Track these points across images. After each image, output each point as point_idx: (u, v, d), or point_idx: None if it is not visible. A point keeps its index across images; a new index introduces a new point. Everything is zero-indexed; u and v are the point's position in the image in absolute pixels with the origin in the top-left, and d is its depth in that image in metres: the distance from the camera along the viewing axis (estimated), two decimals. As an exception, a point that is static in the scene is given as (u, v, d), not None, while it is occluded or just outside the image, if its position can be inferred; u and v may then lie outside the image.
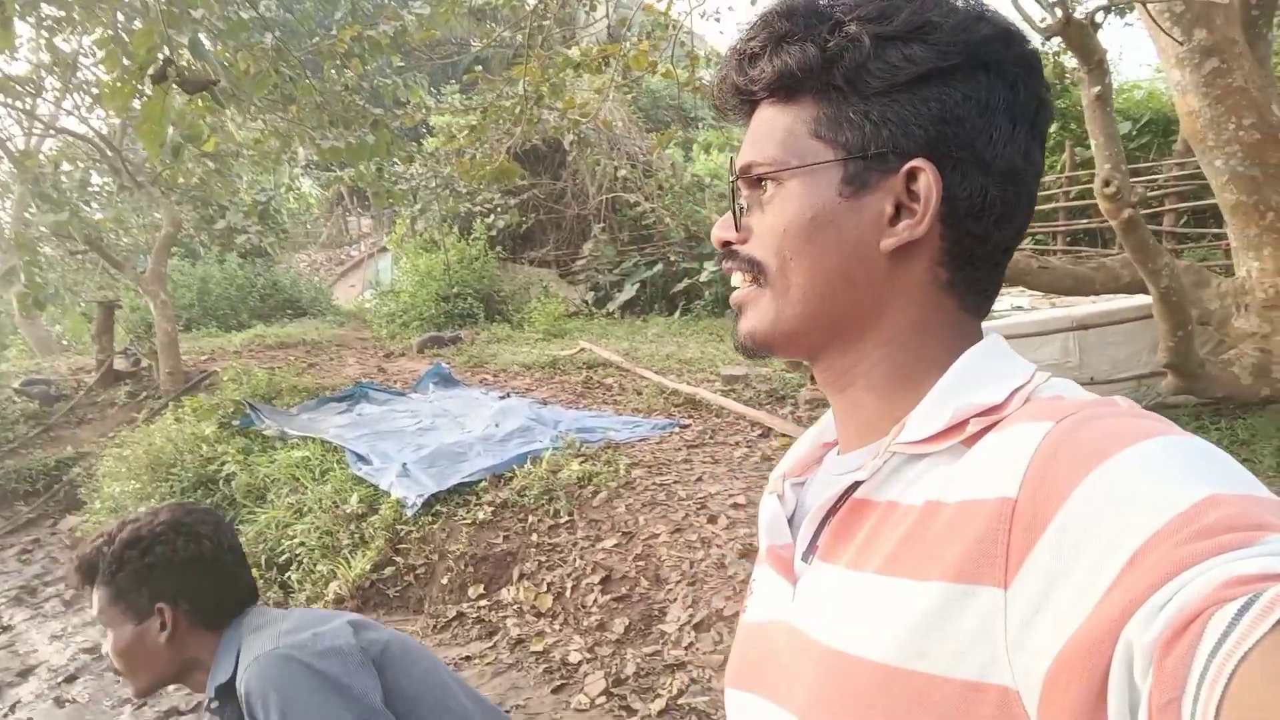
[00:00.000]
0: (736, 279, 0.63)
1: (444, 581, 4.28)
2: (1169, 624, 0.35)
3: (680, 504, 4.27)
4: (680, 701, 2.97)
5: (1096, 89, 3.74)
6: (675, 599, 3.54)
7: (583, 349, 8.69)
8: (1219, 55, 4.01)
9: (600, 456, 4.95)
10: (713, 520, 4.04)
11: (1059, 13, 3.55)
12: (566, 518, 4.36)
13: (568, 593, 3.85)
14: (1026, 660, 0.43)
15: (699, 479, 4.60)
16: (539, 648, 3.59)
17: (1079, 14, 3.73)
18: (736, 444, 5.30)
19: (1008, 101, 0.56)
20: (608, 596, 3.72)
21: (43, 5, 4.89)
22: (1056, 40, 4.14)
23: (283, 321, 12.66)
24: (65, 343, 12.60)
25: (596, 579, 3.83)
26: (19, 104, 7.43)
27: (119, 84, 3.57)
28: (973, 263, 0.59)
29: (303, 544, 4.79)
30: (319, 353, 10.06)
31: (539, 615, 3.84)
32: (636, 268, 12.59)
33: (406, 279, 12.47)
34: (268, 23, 4.68)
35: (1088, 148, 9.13)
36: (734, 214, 0.63)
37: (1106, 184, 3.75)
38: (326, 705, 1.19)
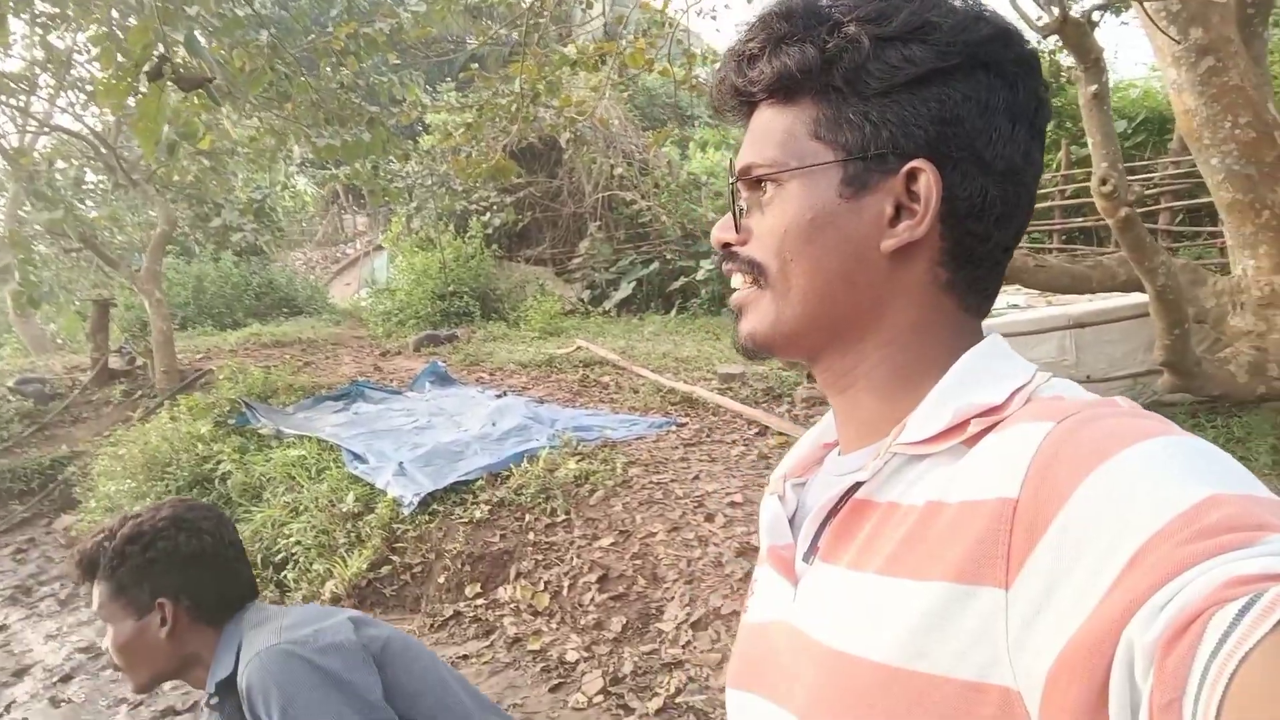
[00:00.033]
0: (736, 280, 0.63)
1: (441, 580, 4.28)
2: (1170, 624, 0.35)
3: (677, 502, 4.27)
4: (678, 700, 2.97)
5: (1094, 87, 3.75)
6: (672, 597, 3.54)
7: (579, 347, 8.68)
8: (1215, 54, 4.02)
9: (597, 455, 4.95)
10: (710, 519, 4.05)
11: (1056, 11, 3.55)
12: (563, 516, 4.36)
13: (565, 591, 3.85)
14: (1028, 660, 0.43)
15: (696, 477, 4.60)
16: (536, 647, 3.59)
17: (1076, 12, 3.74)
18: (733, 442, 5.30)
19: (1007, 101, 0.56)
20: (605, 595, 3.72)
21: (37, 2, 4.87)
22: (1053, 39, 4.14)
23: (278, 320, 12.63)
24: (60, 341, 12.56)
25: (594, 578, 3.83)
26: (13, 101, 7.40)
27: (114, 81, 3.56)
28: (973, 263, 0.59)
29: (299, 543, 4.78)
30: (315, 351, 10.04)
31: (536, 614, 3.83)
32: (633, 266, 12.59)
33: (402, 277, 12.45)
34: (263, 20, 4.66)
35: (1084, 146, 9.14)
36: (733, 215, 0.63)
37: (1104, 182, 3.75)
38: (327, 701, 1.19)
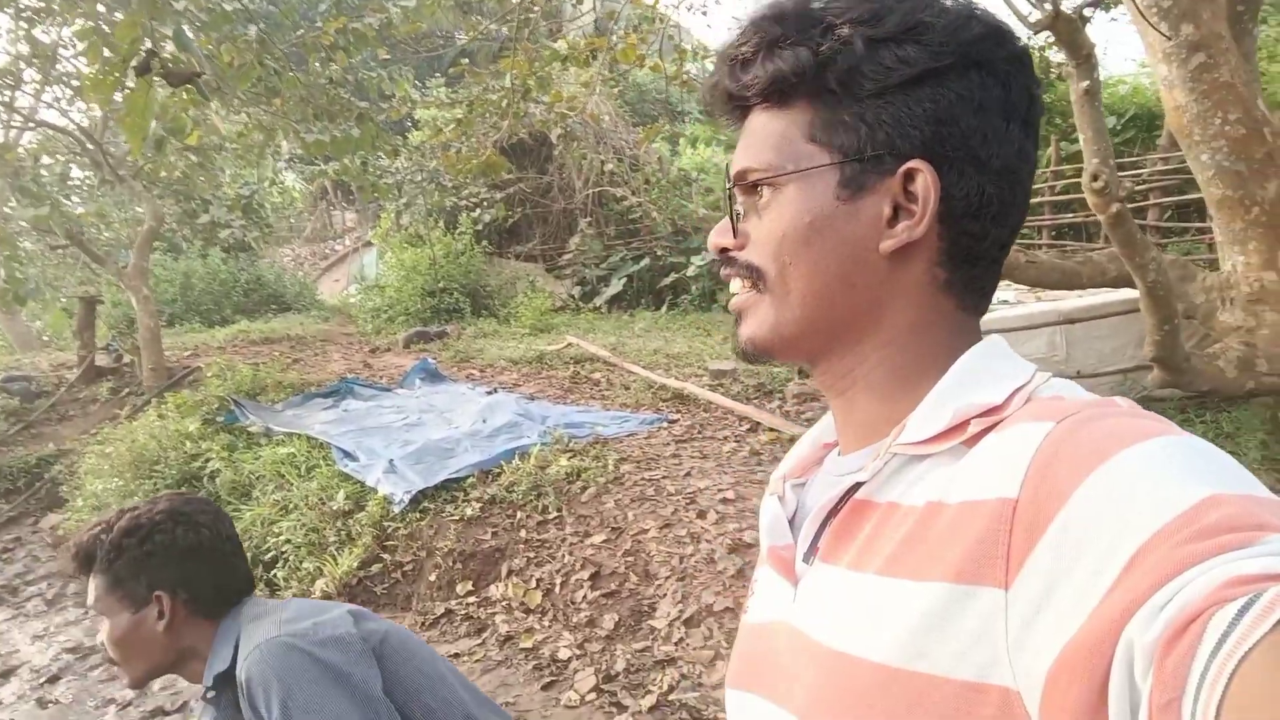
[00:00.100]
0: (735, 285, 0.63)
1: (432, 578, 4.27)
2: (1170, 624, 0.35)
3: (669, 499, 4.27)
4: (671, 697, 2.97)
5: (1085, 84, 3.76)
6: (665, 594, 3.55)
7: (570, 344, 8.68)
8: (1206, 50, 4.03)
9: (589, 452, 4.95)
10: (702, 515, 4.05)
11: (1048, 7, 3.56)
12: (555, 514, 4.35)
13: (557, 589, 3.85)
14: (1027, 661, 0.43)
15: (688, 474, 4.60)
16: (528, 644, 3.59)
17: (1067, 8, 3.74)
18: (725, 439, 5.31)
19: (1000, 99, 0.56)
20: (597, 592, 3.72)
21: (21, -4, 4.82)
22: (1043, 35, 4.15)
23: (267, 317, 12.59)
24: (46, 338, 12.48)
25: (586, 575, 3.83)
26: (-2, 96, 7.33)
27: (102, 76, 3.53)
28: (971, 261, 0.59)
29: (289, 541, 4.77)
30: (304, 348, 10.01)
31: (528, 612, 3.83)
32: (623, 262, 12.59)
33: (392, 274, 12.42)
34: (251, 14, 4.62)
35: (1073, 142, 9.18)
36: (731, 220, 0.63)
37: (1095, 178, 3.76)
38: (327, 694, 1.19)
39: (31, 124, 8.58)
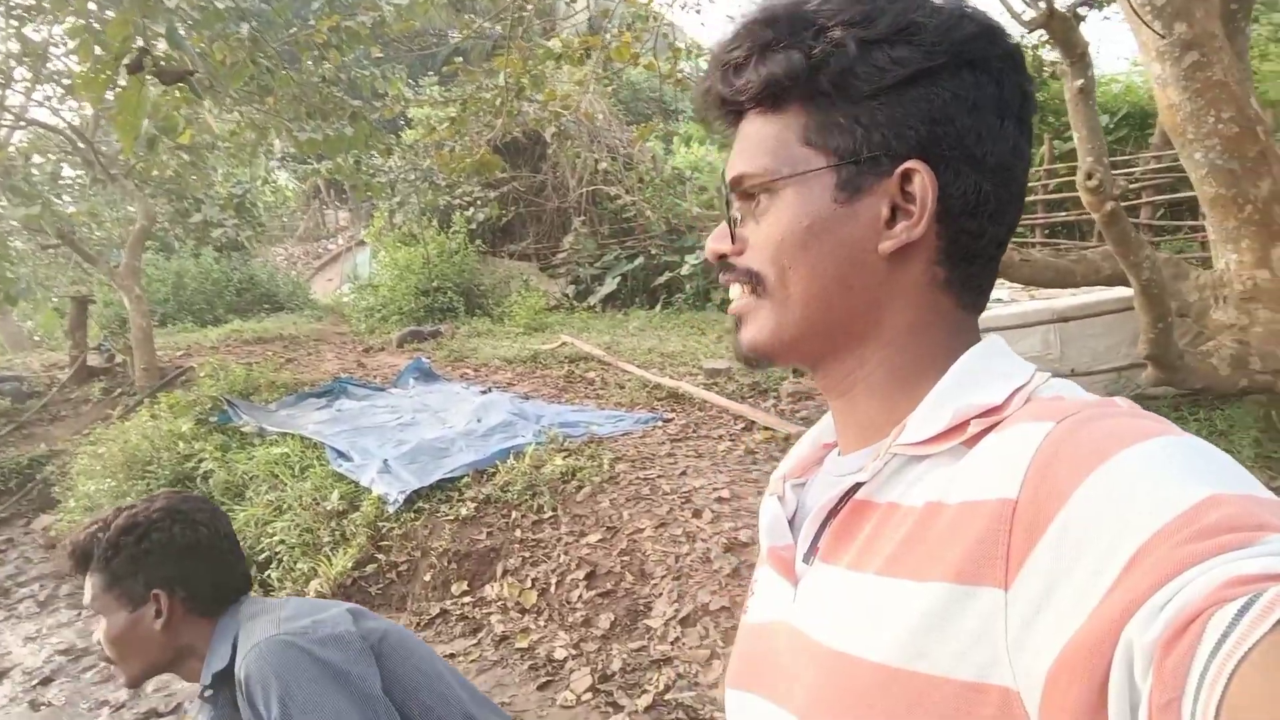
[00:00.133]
0: (734, 291, 0.63)
1: (427, 578, 4.26)
2: (1169, 624, 0.35)
3: (664, 498, 4.27)
4: (667, 697, 2.97)
5: (1079, 82, 3.76)
6: (660, 594, 3.55)
7: (564, 343, 8.67)
8: (1199, 49, 4.04)
9: (583, 451, 4.94)
10: (697, 514, 4.05)
11: (1042, 6, 3.56)
12: (550, 513, 4.35)
13: (552, 589, 3.85)
14: (1027, 661, 0.43)
15: (683, 473, 4.60)
16: (524, 644, 3.58)
17: (1061, 6, 3.75)
18: (720, 437, 5.31)
19: (994, 97, 0.57)
20: (593, 592, 3.71)
21: (12, -6, 4.80)
22: (1037, 33, 4.16)
23: (260, 316, 12.54)
24: (37, 338, 12.43)
25: (581, 574, 3.83)
26: (-12, 95, 7.29)
27: (93, 74, 3.51)
28: (969, 259, 0.59)
29: (283, 542, 4.75)
30: (297, 348, 9.97)
31: (523, 611, 3.83)
32: (617, 261, 12.58)
33: (385, 273, 12.38)
34: (244, 12, 4.60)
35: (1067, 140, 9.21)
36: (729, 226, 0.63)
37: (1089, 177, 3.77)
38: (326, 693, 1.19)
39: (22, 123, 8.54)
